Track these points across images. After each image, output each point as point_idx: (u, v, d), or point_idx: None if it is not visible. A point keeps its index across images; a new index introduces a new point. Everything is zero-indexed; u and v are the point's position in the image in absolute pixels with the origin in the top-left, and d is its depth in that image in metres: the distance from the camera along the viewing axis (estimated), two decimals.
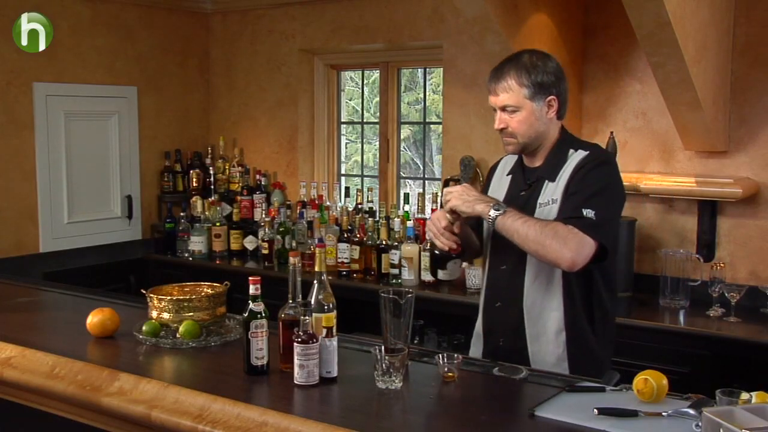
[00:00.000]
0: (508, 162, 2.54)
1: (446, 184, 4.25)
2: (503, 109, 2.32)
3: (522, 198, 2.38)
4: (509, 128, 2.33)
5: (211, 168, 5.12)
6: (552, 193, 2.32)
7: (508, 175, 2.50)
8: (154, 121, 5.04)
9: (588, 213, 2.17)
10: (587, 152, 2.33)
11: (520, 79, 2.29)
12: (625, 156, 3.83)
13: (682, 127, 3.52)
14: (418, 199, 4.33)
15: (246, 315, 2.10)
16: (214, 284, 2.52)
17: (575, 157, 2.33)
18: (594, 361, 2.33)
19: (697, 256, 3.60)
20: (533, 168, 2.41)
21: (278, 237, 4.50)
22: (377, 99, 5.03)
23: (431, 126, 4.91)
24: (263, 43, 5.13)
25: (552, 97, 2.32)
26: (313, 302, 2.02)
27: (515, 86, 2.29)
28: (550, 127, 2.35)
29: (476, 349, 2.51)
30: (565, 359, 2.31)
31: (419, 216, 4.23)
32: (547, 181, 2.34)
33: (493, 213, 2.21)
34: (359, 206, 4.49)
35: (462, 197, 2.28)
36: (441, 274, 2.44)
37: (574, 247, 2.12)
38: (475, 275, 3.83)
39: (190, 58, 5.26)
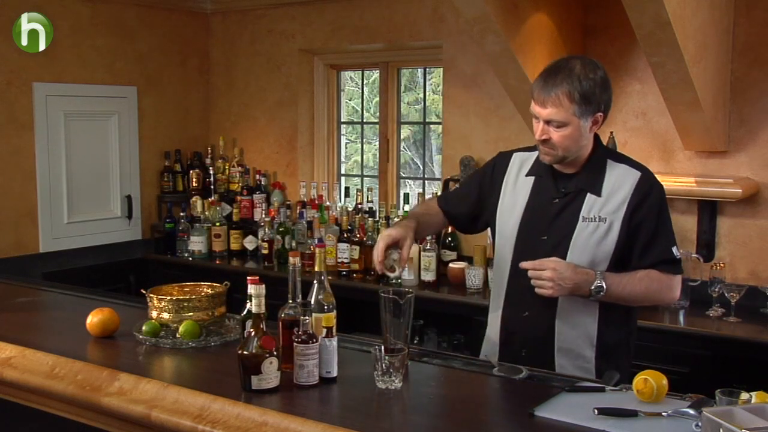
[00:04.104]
0: (526, 160, 2.37)
1: (446, 184, 4.25)
2: (548, 122, 2.16)
3: (555, 206, 2.25)
4: (551, 140, 2.17)
5: (211, 168, 5.12)
6: (599, 210, 2.21)
7: (528, 175, 2.34)
8: (154, 121, 5.04)
9: (674, 252, 2.26)
10: (639, 172, 2.24)
11: (571, 95, 2.12)
12: None
13: (682, 127, 3.51)
14: (418, 199, 4.32)
15: (244, 314, 2.09)
16: (214, 284, 2.52)
17: (621, 173, 2.23)
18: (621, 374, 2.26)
19: (697, 256, 3.60)
20: (567, 175, 2.27)
21: (278, 237, 4.50)
22: (377, 99, 5.03)
23: (431, 126, 4.91)
24: (263, 43, 5.13)
25: (599, 113, 2.18)
26: (313, 302, 2.02)
27: (566, 102, 2.12)
28: (590, 140, 2.23)
29: (490, 357, 2.32)
30: (593, 374, 2.23)
31: None
32: (588, 194, 2.23)
33: (594, 292, 2.15)
34: (359, 206, 4.49)
35: (560, 285, 2.11)
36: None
37: (676, 288, 2.27)
38: (475, 275, 3.83)
39: (190, 58, 5.26)
